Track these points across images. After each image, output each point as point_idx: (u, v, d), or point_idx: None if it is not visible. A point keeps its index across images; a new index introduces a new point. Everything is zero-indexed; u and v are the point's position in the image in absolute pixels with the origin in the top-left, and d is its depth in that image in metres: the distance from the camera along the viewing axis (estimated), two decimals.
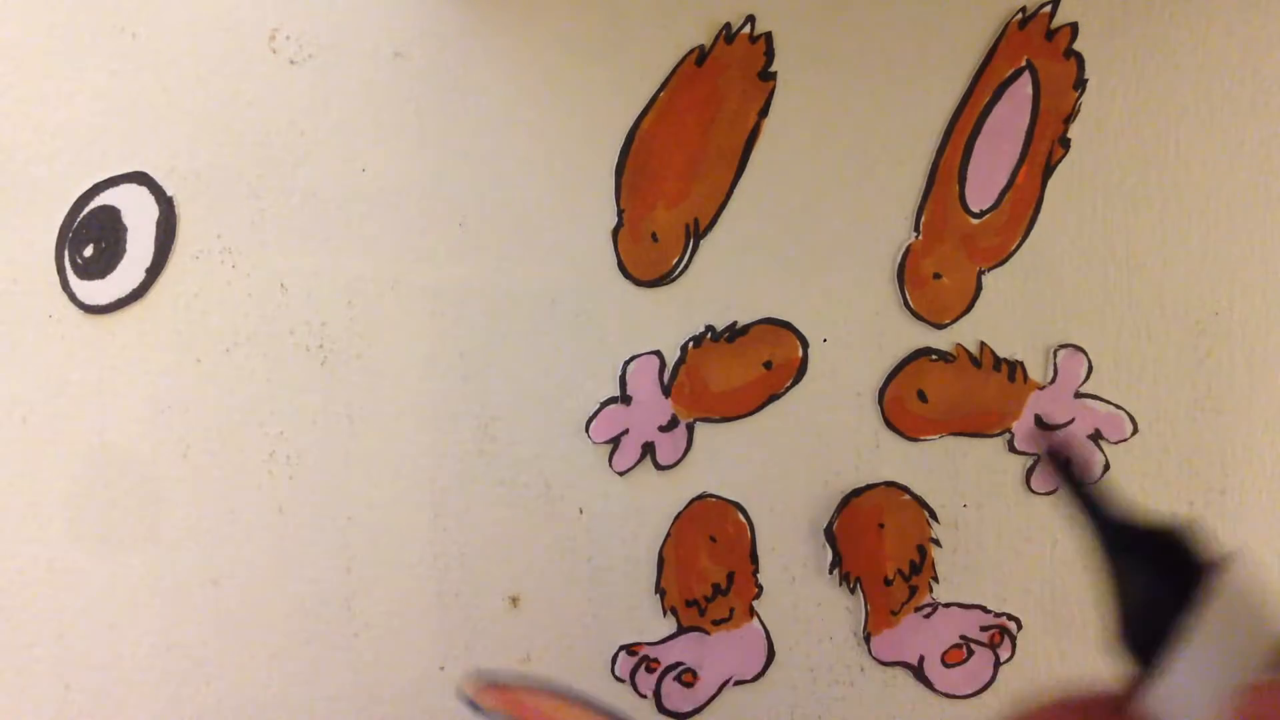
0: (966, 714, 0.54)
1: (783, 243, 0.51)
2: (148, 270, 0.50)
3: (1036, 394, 0.52)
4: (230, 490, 0.51)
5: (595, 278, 0.51)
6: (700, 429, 0.52)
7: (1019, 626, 0.54)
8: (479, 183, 0.50)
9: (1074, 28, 0.50)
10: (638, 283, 0.51)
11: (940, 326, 0.52)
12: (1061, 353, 0.52)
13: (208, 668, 0.52)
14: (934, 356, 0.52)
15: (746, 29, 0.50)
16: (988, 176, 0.51)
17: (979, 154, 0.51)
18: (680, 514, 0.52)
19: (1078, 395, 0.52)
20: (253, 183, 0.50)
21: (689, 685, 0.53)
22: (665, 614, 0.53)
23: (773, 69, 0.50)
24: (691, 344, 0.51)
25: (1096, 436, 0.52)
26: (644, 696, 0.53)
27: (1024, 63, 0.50)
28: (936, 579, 0.53)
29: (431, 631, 0.52)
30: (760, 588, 0.53)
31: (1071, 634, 0.54)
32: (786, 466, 0.53)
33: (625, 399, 0.52)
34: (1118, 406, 0.52)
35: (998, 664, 0.54)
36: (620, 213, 0.51)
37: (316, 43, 0.50)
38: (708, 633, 0.53)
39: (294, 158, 0.50)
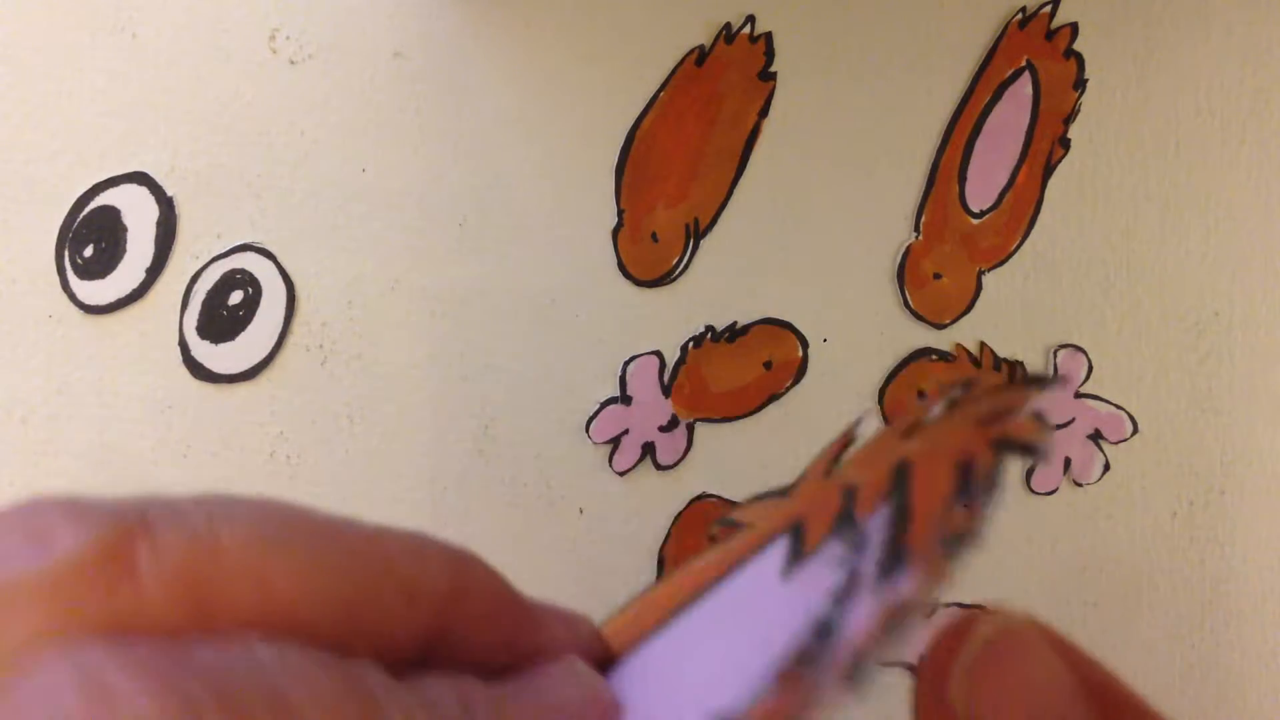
0: None
1: (783, 243, 0.51)
2: (148, 270, 0.50)
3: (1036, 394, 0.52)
4: (230, 490, 0.51)
5: (595, 278, 0.51)
6: (700, 429, 0.52)
7: None
8: (479, 183, 0.50)
9: (1074, 28, 0.50)
10: (638, 283, 0.51)
11: (940, 326, 0.52)
12: (1061, 353, 0.52)
13: None
14: (934, 356, 0.52)
15: (746, 29, 0.50)
16: (988, 176, 0.51)
17: (979, 154, 0.51)
18: (680, 514, 0.52)
19: (1078, 395, 0.52)
20: (253, 183, 0.50)
21: None
22: None
23: (773, 69, 0.50)
24: (691, 344, 0.51)
25: (1096, 436, 0.52)
26: None
27: (1024, 63, 0.50)
28: None
29: None
30: None
31: (1071, 634, 0.54)
32: (786, 466, 0.52)
33: (625, 399, 0.52)
34: (1118, 406, 0.52)
35: None
36: (620, 213, 0.51)
37: (316, 43, 0.50)
38: None
39: (294, 158, 0.50)
